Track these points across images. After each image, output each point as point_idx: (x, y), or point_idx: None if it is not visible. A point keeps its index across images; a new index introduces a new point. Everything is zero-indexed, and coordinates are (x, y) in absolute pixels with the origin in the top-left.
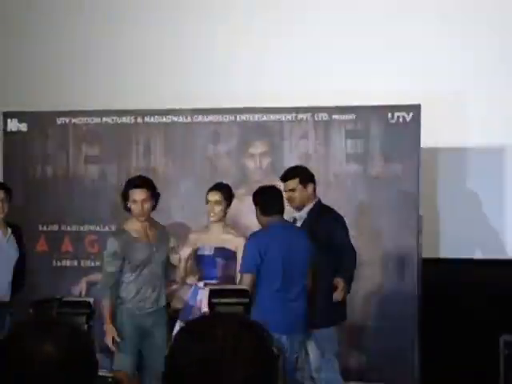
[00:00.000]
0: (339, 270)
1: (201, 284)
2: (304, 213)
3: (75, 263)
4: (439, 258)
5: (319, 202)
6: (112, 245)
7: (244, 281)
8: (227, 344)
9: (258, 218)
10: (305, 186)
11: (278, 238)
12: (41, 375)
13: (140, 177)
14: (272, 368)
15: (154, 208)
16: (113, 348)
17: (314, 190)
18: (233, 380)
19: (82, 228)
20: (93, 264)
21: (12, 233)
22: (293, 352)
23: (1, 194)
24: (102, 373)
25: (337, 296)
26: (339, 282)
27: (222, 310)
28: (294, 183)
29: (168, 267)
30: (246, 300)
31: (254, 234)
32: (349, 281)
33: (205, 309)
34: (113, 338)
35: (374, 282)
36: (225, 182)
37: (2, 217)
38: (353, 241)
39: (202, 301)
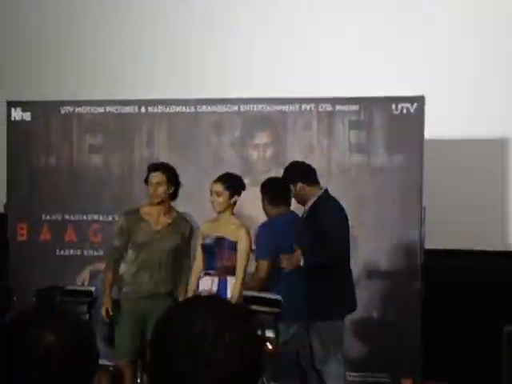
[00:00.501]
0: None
1: (202, 273)
2: (307, 207)
3: (78, 252)
4: (442, 248)
5: (325, 191)
6: (120, 220)
7: (260, 267)
8: (210, 327)
9: (265, 208)
10: (295, 185)
11: (287, 228)
12: (41, 366)
13: (160, 162)
14: (255, 354)
15: (173, 196)
16: (106, 320)
17: (312, 184)
18: (215, 362)
19: (85, 217)
20: (96, 253)
21: None
22: (296, 340)
23: None
24: (102, 362)
25: (285, 263)
26: (297, 251)
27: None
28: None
29: (181, 256)
30: (277, 310)
31: (267, 223)
32: (310, 261)
33: None
34: (107, 310)
35: (376, 273)
36: (232, 172)
37: None
38: (355, 231)
39: (203, 290)
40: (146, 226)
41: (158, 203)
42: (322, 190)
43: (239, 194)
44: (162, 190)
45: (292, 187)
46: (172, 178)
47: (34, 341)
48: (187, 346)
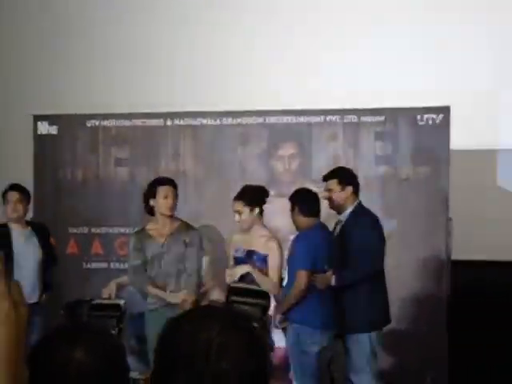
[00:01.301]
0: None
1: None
2: (344, 216)
3: (105, 265)
4: (469, 260)
5: (359, 204)
6: (132, 241)
7: (300, 278)
8: (215, 338)
9: (295, 218)
10: (343, 188)
11: (322, 238)
12: (73, 379)
13: (163, 177)
14: (260, 363)
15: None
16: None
17: (355, 192)
18: (219, 370)
19: (111, 230)
20: (122, 266)
21: (35, 233)
22: (327, 348)
23: (16, 195)
24: (133, 375)
25: (318, 283)
26: (328, 271)
27: (240, 309)
28: (332, 184)
29: (189, 262)
30: (264, 302)
31: (304, 234)
32: (343, 278)
33: None
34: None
35: (403, 285)
36: (253, 183)
37: (16, 216)
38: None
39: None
40: (151, 242)
41: (169, 216)
42: (357, 202)
43: (263, 203)
44: (172, 202)
45: (336, 190)
46: (174, 190)
47: (66, 359)
48: (190, 360)
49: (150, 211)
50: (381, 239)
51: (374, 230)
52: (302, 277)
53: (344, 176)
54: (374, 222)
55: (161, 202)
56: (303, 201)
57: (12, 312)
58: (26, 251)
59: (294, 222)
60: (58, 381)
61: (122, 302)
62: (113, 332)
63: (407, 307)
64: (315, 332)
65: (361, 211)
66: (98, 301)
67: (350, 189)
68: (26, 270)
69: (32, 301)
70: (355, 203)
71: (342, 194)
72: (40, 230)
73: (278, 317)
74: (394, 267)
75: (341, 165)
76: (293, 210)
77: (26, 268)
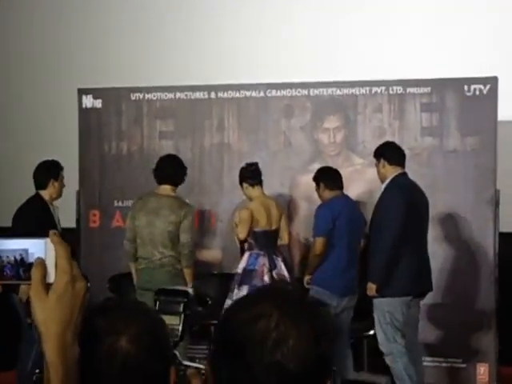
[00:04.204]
0: (369, 271)
1: (261, 252)
2: (382, 188)
3: None
4: None
5: (396, 177)
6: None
7: (317, 244)
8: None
9: (321, 193)
10: (378, 162)
11: (344, 209)
12: (118, 370)
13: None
14: (320, 350)
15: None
16: None
17: (392, 165)
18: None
19: None
20: None
21: None
22: (348, 313)
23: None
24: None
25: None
26: (370, 286)
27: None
28: (375, 159)
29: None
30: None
31: (325, 204)
32: (379, 278)
33: (266, 274)
34: None
35: (450, 257)
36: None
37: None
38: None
39: (264, 265)
40: (148, 207)
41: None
42: (395, 175)
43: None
44: None
45: (376, 164)
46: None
47: (110, 350)
48: (251, 349)
49: None
50: (398, 210)
51: (393, 201)
52: (317, 243)
53: (379, 149)
54: (392, 196)
55: None
56: (327, 175)
57: (69, 286)
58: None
59: (321, 197)
60: (104, 370)
61: (190, 289)
62: (177, 317)
63: (455, 279)
64: (333, 296)
65: (390, 185)
66: (168, 287)
67: (382, 161)
68: None
69: None
70: (393, 175)
71: (379, 168)
72: None
73: (307, 277)
74: (441, 239)
75: (386, 137)
76: (318, 187)
77: None
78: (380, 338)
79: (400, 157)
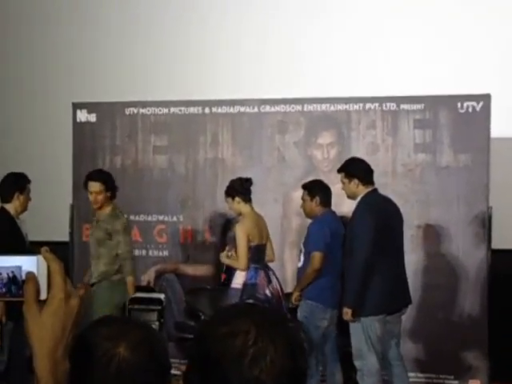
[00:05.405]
0: (344, 295)
1: (258, 265)
2: (353, 207)
3: (144, 253)
4: (509, 248)
5: (366, 194)
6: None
7: (317, 259)
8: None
9: (313, 207)
10: (350, 180)
11: (336, 224)
12: (113, 376)
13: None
14: (297, 364)
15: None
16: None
17: (363, 183)
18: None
19: (150, 218)
20: (161, 253)
21: None
22: (332, 324)
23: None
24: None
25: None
26: (345, 311)
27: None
28: (341, 177)
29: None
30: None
31: (321, 218)
32: (353, 302)
33: (266, 288)
34: None
35: (441, 273)
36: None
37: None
38: (421, 232)
39: (264, 278)
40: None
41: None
42: (366, 192)
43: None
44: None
45: (344, 182)
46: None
47: (108, 355)
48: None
49: None
50: (367, 230)
51: (362, 221)
52: (317, 258)
53: (351, 169)
54: (362, 214)
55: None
56: (324, 192)
57: (63, 303)
58: None
59: (310, 209)
60: (98, 377)
61: (162, 296)
62: (153, 326)
63: (447, 295)
64: (326, 309)
65: (362, 203)
66: (138, 294)
67: (356, 181)
68: None
69: None
70: (363, 194)
71: (350, 187)
72: None
73: (296, 294)
74: (433, 255)
75: (380, 153)
76: (312, 200)
77: None
78: (354, 353)
79: (371, 175)
